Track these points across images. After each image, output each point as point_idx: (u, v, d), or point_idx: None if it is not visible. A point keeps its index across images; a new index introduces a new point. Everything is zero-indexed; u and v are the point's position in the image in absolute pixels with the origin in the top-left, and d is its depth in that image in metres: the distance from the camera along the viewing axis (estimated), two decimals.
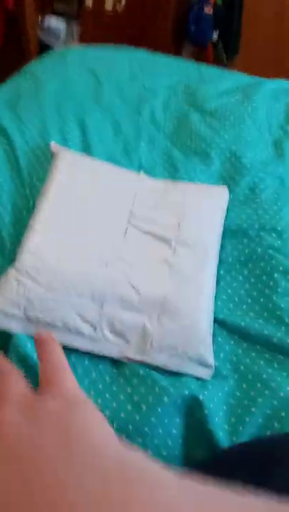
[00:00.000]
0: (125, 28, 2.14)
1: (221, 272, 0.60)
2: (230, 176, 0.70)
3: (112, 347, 0.49)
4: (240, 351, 0.53)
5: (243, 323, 0.54)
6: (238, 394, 0.49)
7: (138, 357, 0.49)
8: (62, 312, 0.49)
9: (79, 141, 0.72)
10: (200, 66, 0.95)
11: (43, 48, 1.95)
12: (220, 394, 0.49)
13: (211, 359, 0.50)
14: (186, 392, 0.47)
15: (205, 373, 0.50)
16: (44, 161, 0.67)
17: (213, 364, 0.50)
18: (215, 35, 2.34)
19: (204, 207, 0.60)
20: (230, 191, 0.67)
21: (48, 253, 0.51)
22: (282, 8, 2.14)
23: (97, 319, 0.49)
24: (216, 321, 0.55)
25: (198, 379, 0.50)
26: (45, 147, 0.69)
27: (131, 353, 0.49)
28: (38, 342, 0.29)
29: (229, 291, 0.57)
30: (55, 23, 2.17)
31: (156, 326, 0.50)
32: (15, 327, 0.48)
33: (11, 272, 0.50)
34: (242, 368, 0.52)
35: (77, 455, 0.18)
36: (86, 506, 0.15)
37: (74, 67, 0.88)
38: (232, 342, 0.54)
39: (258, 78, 0.94)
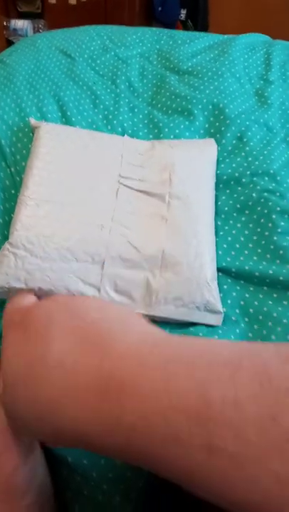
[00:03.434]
0: (91, 18, 2.11)
1: (219, 223, 0.59)
2: (215, 128, 0.69)
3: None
4: (247, 295, 0.52)
5: (247, 267, 0.53)
6: (250, 335, 0.49)
7: (145, 311, 0.48)
8: (64, 279, 0.48)
9: (58, 116, 0.71)
10: (171, 31, 0.94)
11: None
12: (232, 337, 0.48)
13: (218, 305, 0.49)
14: None
15: (215, 320, 0.49)
16: (26, 139, 0.66)
17: (221, 309, 0.49)
18: (183, 14, 2.31)
19: (193, 159, 0.59)
20: (218, 143, 0.66)
21: (41, 224, 0.51)
22: None
23: (100, 280, 0.49)
24: (219, 270, 0.54)
25: (208, 326, 0.49)
26: (25, 126, 0.68)
27: (138, 308, 0.48)
28: None
29: (229, 239, 0.57)
30: (20, 24, 2.15)
31: (160, 279, 0.49)
32: None
33: (7, 248, 0.49)
34: (251, 310, 0.51)
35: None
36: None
37: (45, 49, 0.86)
38: (238, 287, 0.53)
39: (231, 36, 0.93)
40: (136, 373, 0.21)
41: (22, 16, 2.19)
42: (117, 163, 0.58)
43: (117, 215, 0.53)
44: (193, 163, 0.59)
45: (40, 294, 0.48)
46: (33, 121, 0.65)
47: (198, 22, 2.31)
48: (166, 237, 0.52)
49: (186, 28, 2.33)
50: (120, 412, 0.21)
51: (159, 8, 2.24)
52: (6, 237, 0.52)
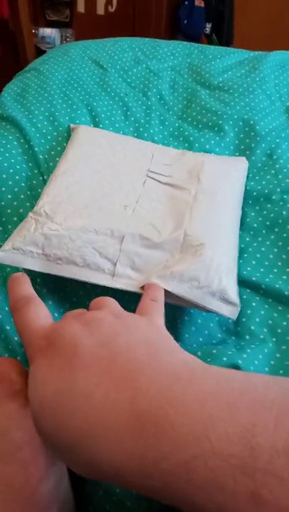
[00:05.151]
0: (118, 29, 2.15)
1: (247, 239, 0.59)
2: (245, 145, 0.69)
3: (133, 282, 0.47)
4: (275, 315, 0.52)
5: (276, 286, 0.53)
6: (278, 355, 0.48)
7: (158, 281, 0.46)
8: (81, 248, 0.48)
9: (90, 126, 0.72)
10: (201, 46, 0.95)
11: (41, 54, 1.98)
12: (260, 356, 0.48)
13: (234, 295, 0.47)
14: (225, 359, 0.46)
15: (229, 311, 0.47)
16: (59, 148, 0.67)
17: (238, 303, 0.47)
18: (208, 28, 2.34)
19: (223, 166, 0.60)
20: (248, 159, 0.66)
21: (66, 196, 0.52)
22: None
23: (117, 255, 0.48)
24: (248, 285, 0.54)
25: (235, 346, 0.49)
26: (59, 135, 0.69)
27: (151, 280, 0.46)
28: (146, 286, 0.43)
29: (258, 255, 0.56)
30: (48, 32, 2.19)
31: (178, 260, 0.48)
32: (30, 264, 0.47)
33: (30, 215, 0.50)
34: (279, 330, 0.50)
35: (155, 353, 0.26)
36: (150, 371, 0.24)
37: (78, 59, 0.88)
38: (266, 306, 0.53)
39: (262, 52, 0.93)
40: (172, 413, 0.20)
41: (50, 24, 2.23)
42: (148, 161, 0.60)
43: (142, 200, 0.54)
44: (222, 169, 0.60)
45: (54, 260, 0.47)
46: (72, 126, 0.67)
47: (223, 36, 2.33)
48: (189, 221, 0.51)
49: (210, 41, 2.35)
50: (158, 456, 0.20)
51: (185, 21, 2.27)
52: None
